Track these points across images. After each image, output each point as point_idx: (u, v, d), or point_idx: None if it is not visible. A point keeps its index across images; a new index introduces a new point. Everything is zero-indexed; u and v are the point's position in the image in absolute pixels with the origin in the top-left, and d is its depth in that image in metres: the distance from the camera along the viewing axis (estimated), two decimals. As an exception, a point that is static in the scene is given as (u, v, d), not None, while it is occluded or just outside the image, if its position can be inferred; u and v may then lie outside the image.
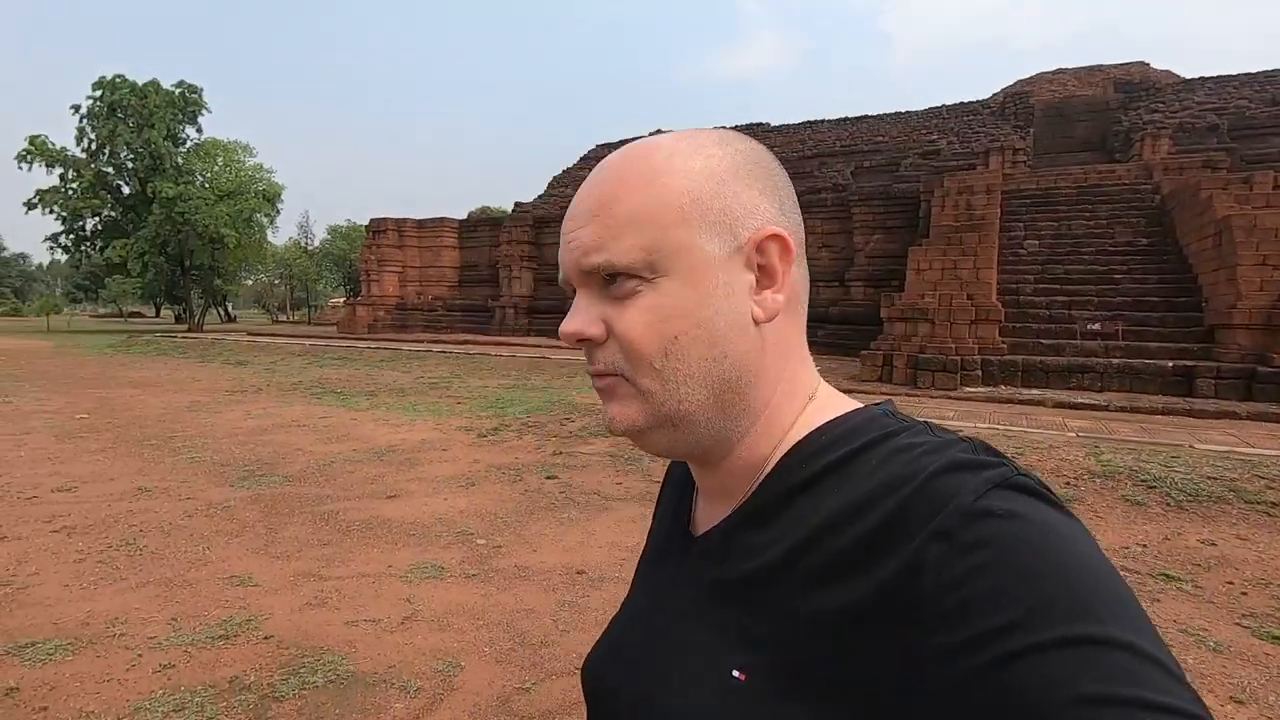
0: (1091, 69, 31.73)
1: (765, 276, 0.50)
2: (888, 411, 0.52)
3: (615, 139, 35.59)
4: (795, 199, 0.54)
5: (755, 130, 31.29)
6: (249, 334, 30.13)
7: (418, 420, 9.20)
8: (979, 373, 10.43)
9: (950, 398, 9.95)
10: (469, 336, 25.95)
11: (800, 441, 0.51)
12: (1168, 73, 28.62)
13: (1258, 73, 23.41)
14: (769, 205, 0.51)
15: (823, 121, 29.61)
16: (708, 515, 0.56)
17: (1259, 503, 5.17)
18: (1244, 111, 20.63)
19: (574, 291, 0.53)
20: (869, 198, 21.68)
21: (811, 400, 0.54)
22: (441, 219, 30.24)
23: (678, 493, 0.63)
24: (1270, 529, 4.74)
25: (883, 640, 0.40)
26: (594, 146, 35.19)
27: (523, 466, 6.69)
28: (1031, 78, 32.27)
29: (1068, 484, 5.69)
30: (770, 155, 0.54)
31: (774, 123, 31.44)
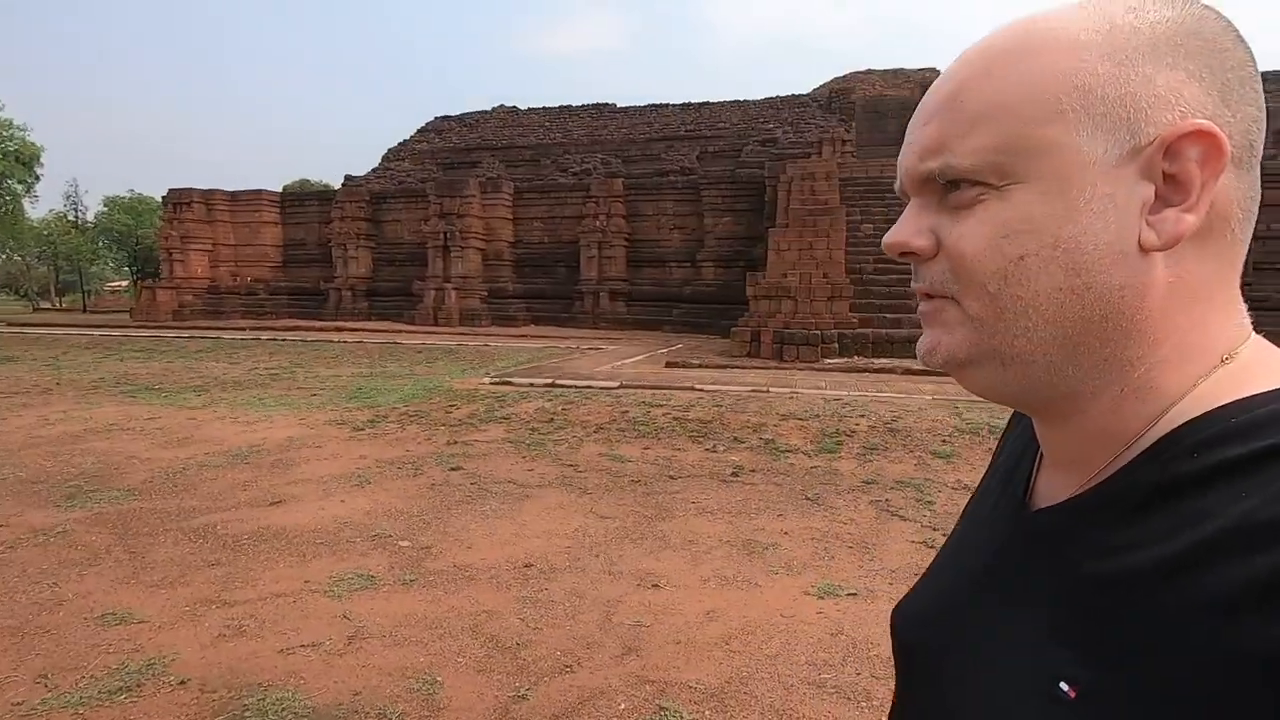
0: (896, 71, 35.37)
1: (1174, 188, 0.39)
2: None
3: (455, 111, 33.89)
4: (1259, 88, 0.41)
5: (602, 110, 31.31)
6: (8, 324, 25.07)
7: (274, 416, 8.19)
8: (836, 345, 11.32)
9: (814, 370, 10.71)
10: (299, 322, 23.66)
11: (1195, 420, 0.39)
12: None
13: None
14: (1201, 91, 0.39)
15: (668, 105, 30.29)
16: (1050, 486, 0.47)
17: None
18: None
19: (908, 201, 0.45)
20: (717, 181, 22.60)
21: (1224, 364, 0.40)
22: (259, 191, 27.10)
23: (1019, 448, 0.53)
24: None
25: (1275, 705, 0.31)
26: (434, 118, 33.28)
27: (417, 459, 6.20)
28: (847, 76, 35.35)
29: (944, 441, 6.36)
30: (1224, 23, 0.41)
31: (620, 104, 31.62)
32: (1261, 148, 0.41)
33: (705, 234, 22.64)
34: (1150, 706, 0.35)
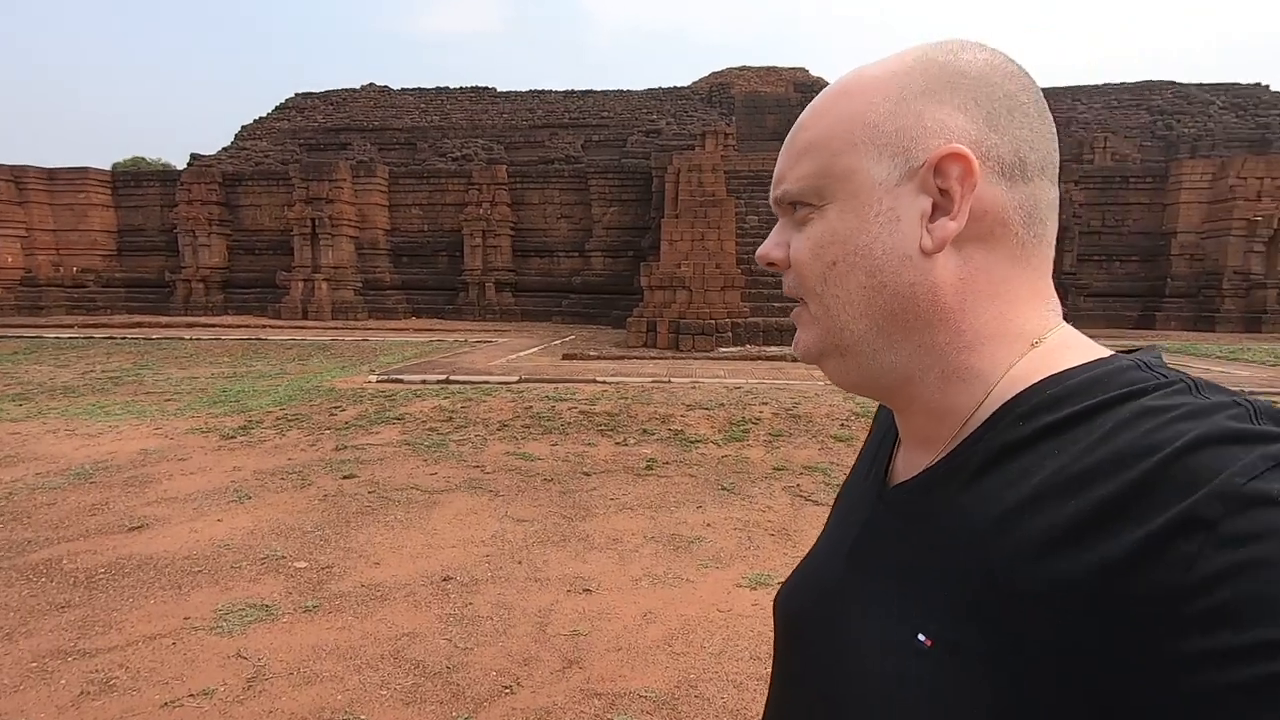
0: (769, 69, 36.74)
1: (947, 201, 0.46)
2: (1142, 363, 0.44)
3: (317, 88, 31.40)
4: (1032, 113, 0.48)
5: (482, 94, 30.21)
6: None
7: (121, 426, 7.19)
8: (730, 335, 11.59)
9: (711, 358, 10.90)
10: (141, 318, 21.15)
11: (1017, 395, 0.45)
12: (821, 79, 34.43)
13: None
14: (965, 121, 0.46)
15: (551, 92, 29.69)
16: (908, 463, 0.52)
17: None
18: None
19: None
20: (605, 171, 22.47)
21: (1034, 347, 0.47)
22: (83, 169, 23.85)
23: (880, 434, 0.60)
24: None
25: (1103, 630, 0.35)
26: (295, 94, 30.68)
27: (303, 468, 5.64)
28: (724, 70, 36.26)
29: (842, 425, 6.63)
30: (996, 63, 0.48)
31: (500, 88, 30.64)
32: (1042, 162, 0.48)
33: (593, 223, 22.48)
34: (994, 646, 0.39)
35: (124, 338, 17.06)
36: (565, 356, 11.45)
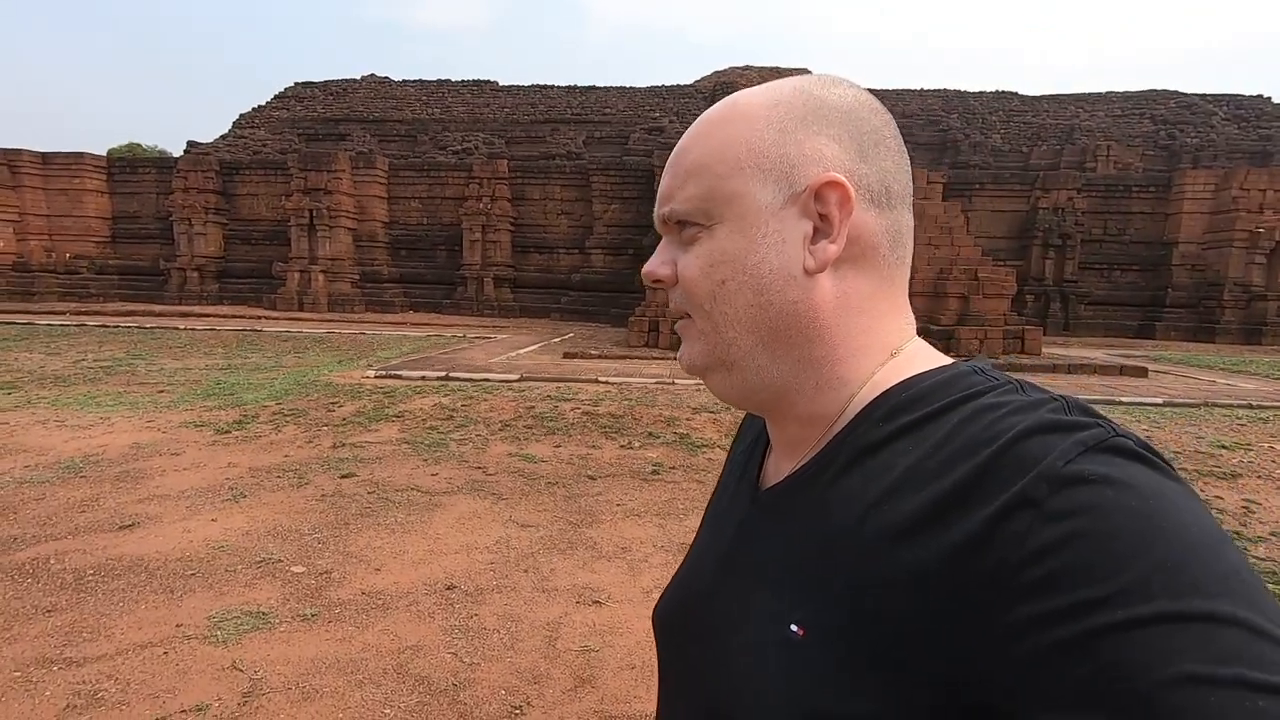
0: (772, 70, 36.66)
1: (826, 225, 0.49)
2: (978, 369, 0.49)
3: (313, 77, 31.07)
4: (893, 146, 0.52)
5: (483, 87, 29.99)
6: None
7: (113, 418, 7.02)
8: (732, 336, 11.46)
9: (714, 360, 10.75)
10: (134, 306, 20.95)
11: (875, 399, 0.49)
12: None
13: (892, 89, 29.34)
14: (840, 152, 0.50)
15: (553, 87, 29.50)
16: (777, 468, 0.55)
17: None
18: (886, 120, 25.80)
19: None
20: (606, 168, 22.31)
21: (893, 357, 0.51)
22: (79, 154, 23.56)
23: (749, 444, 0.62)
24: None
25: (953, 607, 0.38)
26: (294, 84, 30.41)
27: (300, 466, 5.50)
28: (727, 70, 36.15)
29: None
30: (863, 99, 0.52)
31: (503, 81, 30.42)
32: (903, 191, 0.52)
33: (594, 220, 22.32)
34: (859, 630, 0.42)
35: (117, 326, 16.84)
36: (566, 355, 11.30)
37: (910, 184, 0.53)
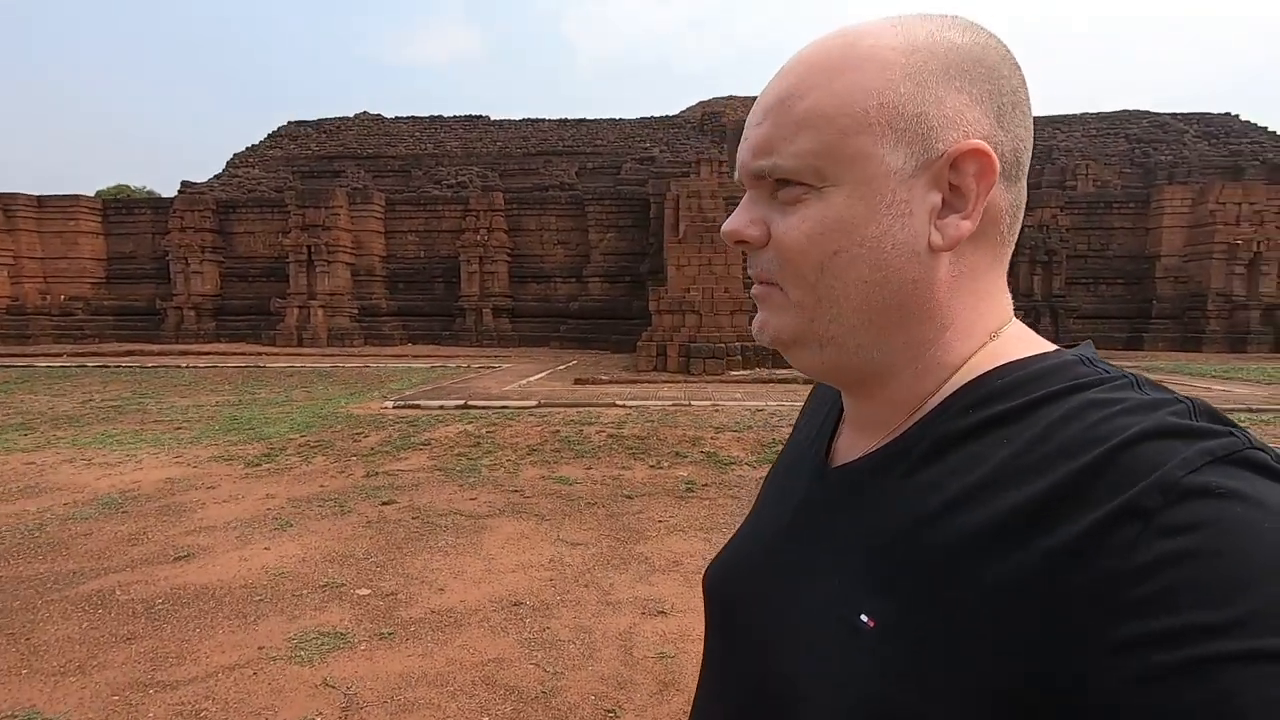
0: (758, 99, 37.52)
1: (957, 197, 0.45)
2: (1085, 358, 0.46)
3: (301, 115, 31.46)
4: (1028, 110, 0.48)
5: (475, 122, 30.48)
6: None
7: (139, 454, 7.05)
8: (739, 357, 11.65)
9: (724, 381, 10.94)
10: (131, 346, 20.83)
11: (967, 385, 0.46)
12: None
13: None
14: (981, 114, 0.45)
15: (545, 120, 30.04)
16: (851, 445, 0.52)
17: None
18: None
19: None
20: (601, 197, 22.67)
21: (992, 339, 0.48)
22: (75, 197, 23.65)
23: (823, 413, 0.59)
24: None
25: (1042, 618, 0.36)
26: (288, 123, 30.75)
27: (339, 495, 5.56)
28: (713, 100, 36.95)
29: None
30: (1003, 52, 0.47)
31: (494, 115, 30.95)
32: (1028, 164, 0.48)
33: (590, 249, 22.61)
34: (934, 629, 0.40)
35: (118, 366, 16.78)
36: (578, 381, 11.43)
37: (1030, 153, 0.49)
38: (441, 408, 9.32)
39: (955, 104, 0.44)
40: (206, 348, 20.46)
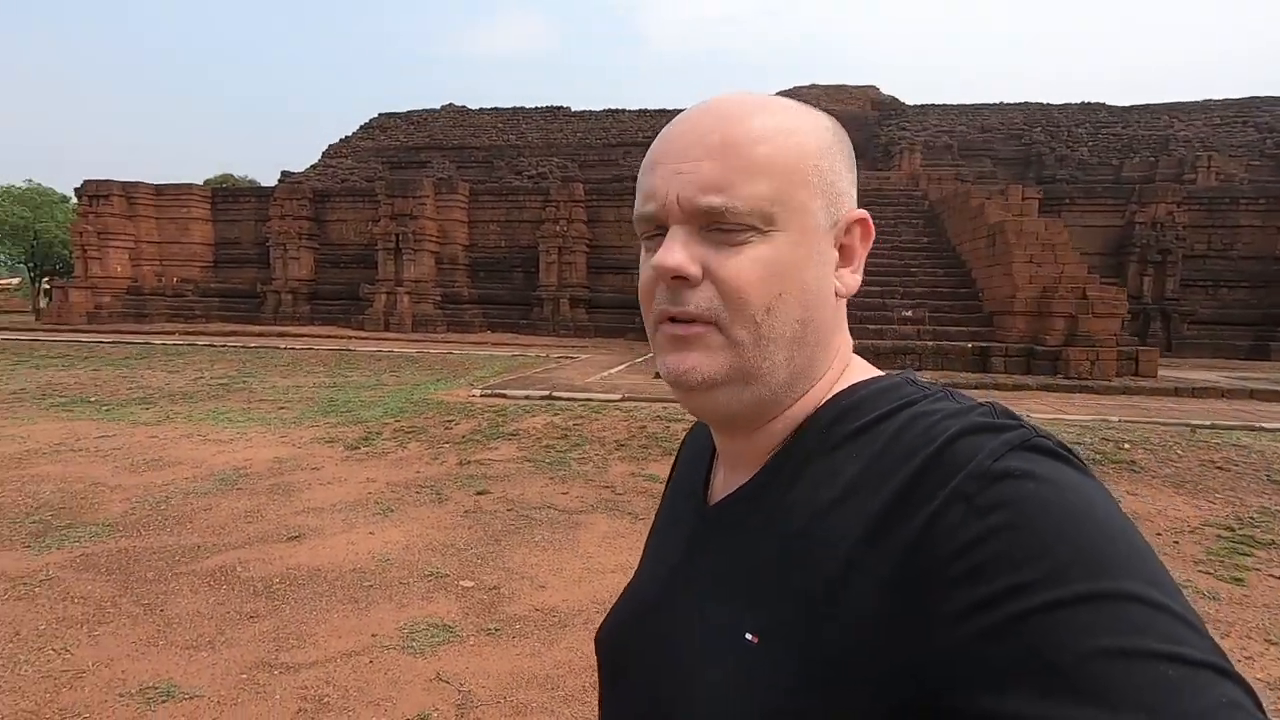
0: (838, 87, 36.36)
1: (845, 255, 0.53)
2: (909, 379, 0.52)
3: (402, 108, 32.54)
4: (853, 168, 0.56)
5: (556, 113, 30.79)
6: (-109, 326, 22.41)
7: (249, 433, 7.42)
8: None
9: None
10: (235, 326, 22.18)
11: (820, 408, 0.52)
12: (894, 97, 33.76)
13: (969, 104, 28.66)
14: (851, 186, 0.53)
15: (624, 111, 30.04)
16: (727, 482, 0.56)
17: (1120, 461, 6.17)
18: (964, 135, 25.13)
19: (656, 228, 0.51)
20: (680, 189, 22.46)
21: (846, 369, 0.54)
22: (188, 185, 25.30)
23: (695, 461, 0.63)
24: (1148, 484, 5.67)
25: (898, 605, 0.41)
26: (377, 115, 31.93)
27: (434, 482, 5.67)
28: (793, 90, 36.01)
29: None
30: (842, 130, 0.55)
31: (575, 107, 31.18)
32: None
33: (668, 242, 22.46)
34: (813, 633, 0.43)
35: (224, 345, 17.88)
36: (658, 375, 11.34)
37: None
38: (527, 397, 9.43)
39: (844, 178, 0.52)
40: (302, 330, 21.54)
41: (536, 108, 31.14)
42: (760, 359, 0.49)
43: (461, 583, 3.78)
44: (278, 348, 17.47)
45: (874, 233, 0.54)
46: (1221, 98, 28.08)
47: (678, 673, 0.51)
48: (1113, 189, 21.60)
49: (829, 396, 0.52)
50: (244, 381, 11.75)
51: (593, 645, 0.63)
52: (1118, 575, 0.37)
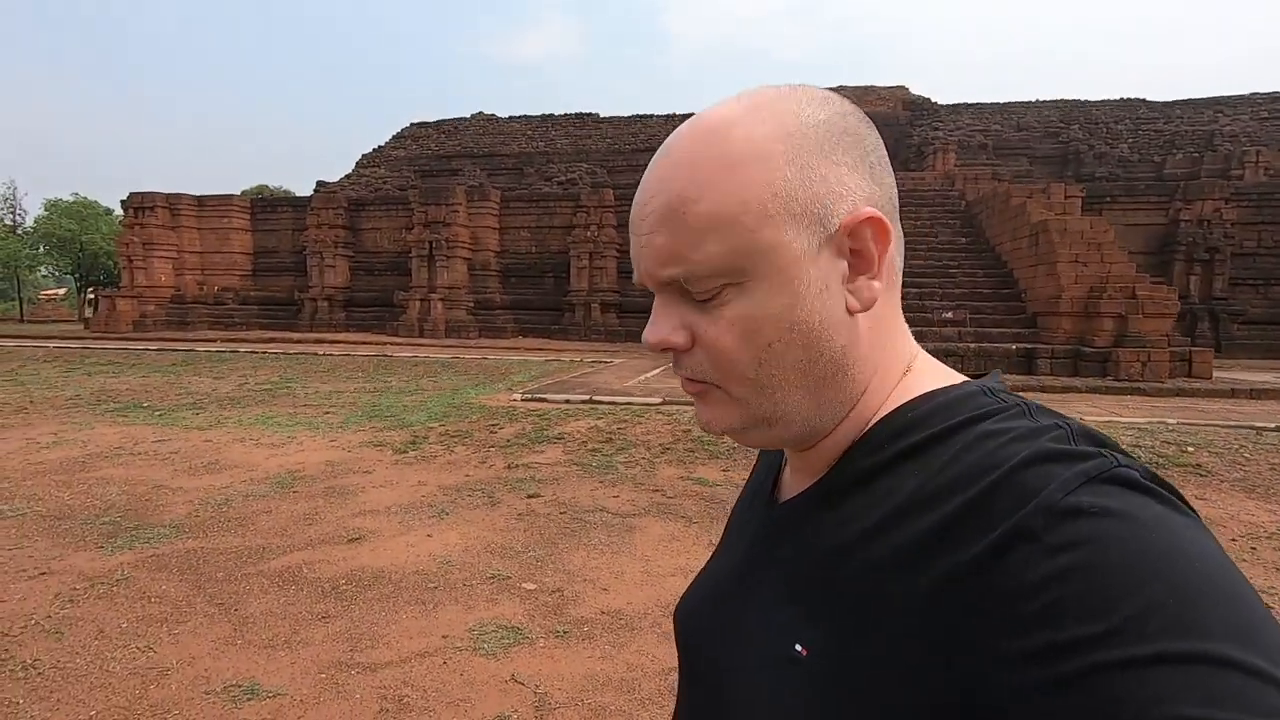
0: (867, 89, 35.99)
1: (860, 261, 0.47)
2: (988, 389, 0.48)
3: (433, 117, 33.07)
4: (885, 156, 0.50)
5: (584, 120, 30.98)
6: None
7: (299, 437, 7.56)
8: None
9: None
10: (274, 334, 22.65)
11: (882, 420, 0.49)
12: (925, 98, 33.33)
13: (1004, 103, 28.19)
14: (860, 179, 0.47)
15: (651, 116, 30.15)
16: (792, 483, 0.55)
17: (1185, 464, 5.98)
18: (1000, 134, 24.70)
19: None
20: (710, 193, 22.46)
21: (905, 375, 0.51)
22: (228, 196, 25.92)
23: (770, 459, 0.62)
24: (1217, 489, 5.48)
25: (949, 636, 0.38)
26: (409, 124, 32.44)
27: (485, 485, 5.71)
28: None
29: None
30: (856, 114, 0.49)
31: (603, 113, 31.34)
32: (897, 207, 0.50)
33: (698, 246, 22.45)
34: (858, 654, 0.42)
35: (264, 352, 18.25)
36: (695, 378, 11.35)
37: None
38: (568, 402, 9.46)
39: (837, 176, 0.46)
40: (338, 337, 21.92)
41: (565, 115, 31.38)
42: (770, 406, 0.48)
43: (524, 585, 3.78)
44: (316, 354, 17.79)
45: (894, 230, 0.48)
46: (1268, 90, 27.23)
47: (737, 672, 0.51)
48: (1156, 186, 21.06)
49: (890, 409, 0.49)
50: (287, 387, 11.98)
51: (672, 630, 0.63)
52: (1206, 632, 0.33)
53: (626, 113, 31.09)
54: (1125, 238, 20.19)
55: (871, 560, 0.43)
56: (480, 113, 32.76)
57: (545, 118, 31.47)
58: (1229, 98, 27.11)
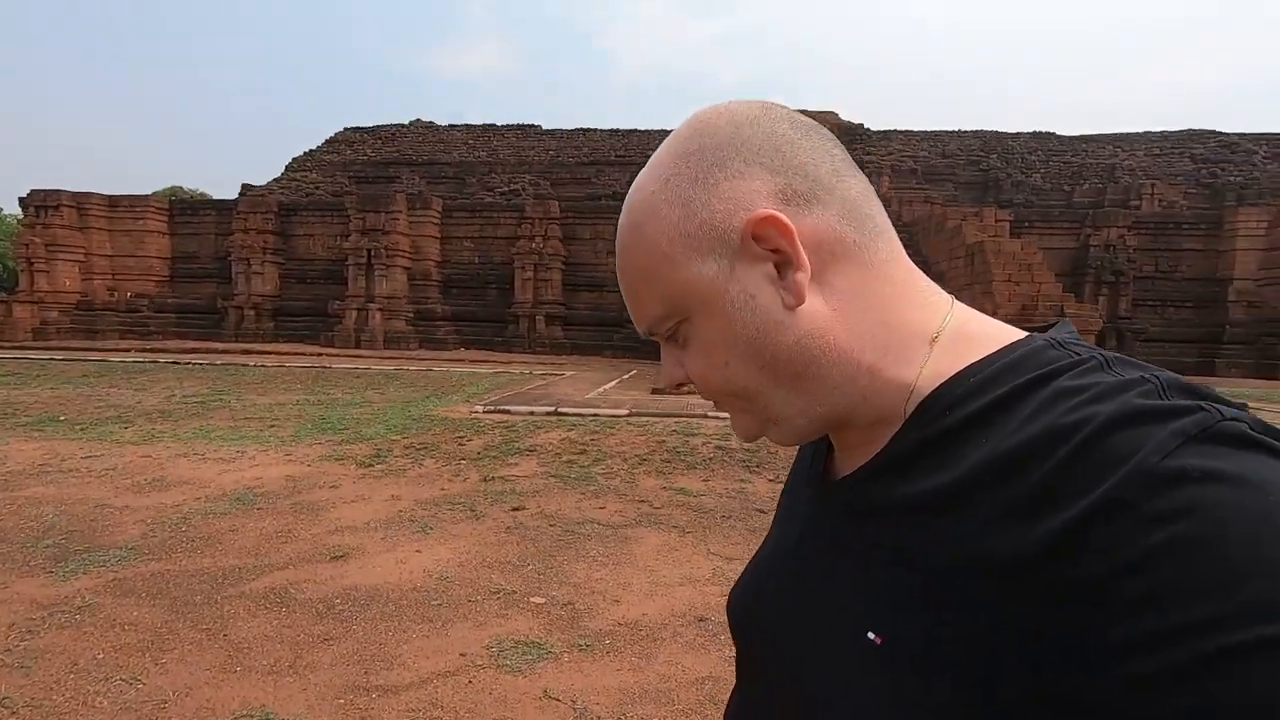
0: (799, 111, 37.25)
1: (783, 256, 0.47)
2: (1055, 341, 0.45)
3: (368, 123, 32.08)
4: (796, 135, 0.48)
5: (528, 131, 30.77)
6: None
7: (249, 451, 7.11)
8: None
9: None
10: (195, 343, 21.31)
11: (938, 389, 0.45)
12: (855, 123, 34.81)
13: (932, 131, 29.79)
14: (756, 181, 0.47)
15: (596, 130, 30.23)
16: (843, 462, 0.53)
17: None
18: (928, 160, 26.07)
19: None
20: (656, 208, 22.67)
21: (935, 343, 0.47)
22: (144, 197, 24.35)
23: (815, 445, 0.60)
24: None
25: (1038, 620, 0.35)
26: (344, 129, 31.39)
27: (464, 499, 5.52)
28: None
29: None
30: (745, 114, 0.49)
31: (545, 125, 31.24)
32: (831, 168, 0.48)
33: (644, 259, 22.60)
34: (937, 640, 0.39)
35: (188, 363, 17.14)
36: (655, 391, 11.36)
37: (836, 152, 0.49)
38: (532, 413, 9.29)
39: (722, 192, 0.46)
40: (267, 347, 20.82)
41: (508, 125, 31.09)
42: (765, 410, 0.50)
43: (532, 599, 3.66)
44: (246, 364, 16.83)
45: (786, 220, 0.46)
46: (1160, 130, 29.89)
47: (803, 656, 0.49)
48: (1067, 213, 22.69)
49: (952, 373, 0.45)
50: (220, 399, 11.27)
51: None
52: None
53: (576, 126, 31.03)
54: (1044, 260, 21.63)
55: (940, 542, 0.40)
56: (419, 120, 32.05)
57: (487, 127, 31.08)
58: (1128, 134, 29.60)
